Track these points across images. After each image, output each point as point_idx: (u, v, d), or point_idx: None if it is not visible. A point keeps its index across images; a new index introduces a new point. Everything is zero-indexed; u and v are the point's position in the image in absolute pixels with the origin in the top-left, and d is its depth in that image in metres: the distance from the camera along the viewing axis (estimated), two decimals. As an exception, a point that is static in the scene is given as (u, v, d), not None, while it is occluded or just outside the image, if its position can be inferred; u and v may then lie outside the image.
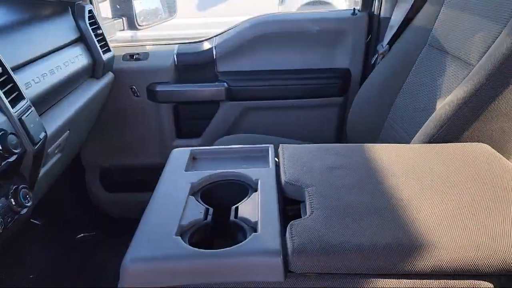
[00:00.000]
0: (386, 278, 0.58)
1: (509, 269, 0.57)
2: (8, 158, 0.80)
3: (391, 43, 1.48)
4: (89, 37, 1.39)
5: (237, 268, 0.59)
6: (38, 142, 0.90)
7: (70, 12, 1.38)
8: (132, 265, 0.59)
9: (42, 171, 1.07)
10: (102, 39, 1.47)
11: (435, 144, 0.92)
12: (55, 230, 1.71)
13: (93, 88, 1.39)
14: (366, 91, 1.47)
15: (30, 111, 0.90)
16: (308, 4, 6.46)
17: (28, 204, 0.85)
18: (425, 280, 0.58)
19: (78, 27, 1.38)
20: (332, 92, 1.67)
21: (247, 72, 1.67)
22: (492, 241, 0.59)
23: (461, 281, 0.58)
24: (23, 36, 1.09)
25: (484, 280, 0.58)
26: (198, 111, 1.71)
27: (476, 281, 0.58)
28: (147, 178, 1.78)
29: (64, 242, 1.73)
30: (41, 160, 0.98)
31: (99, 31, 1.45)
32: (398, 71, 1.34)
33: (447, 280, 0.58)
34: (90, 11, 1.42)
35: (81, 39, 1.39)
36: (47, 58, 1.15)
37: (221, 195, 0.79)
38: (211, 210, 0.72)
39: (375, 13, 1.62)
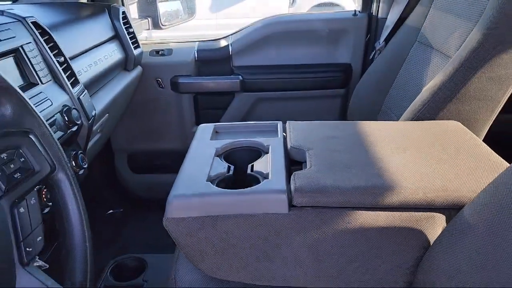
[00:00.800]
0: (364, 210, 0.77)
1: (457, 204, 0.76)
2: (72, 128, 1.01)
3: (387, 40, 1.64)
4: (122, 35, 1.60)
5: (253, 203, 0.79)
6: (91, 118, 1.11)
7: (107, 13, 1.59)
8: (175, 200, 0.79)
9: (88, 146, 1.28)
10: (133, 36, 1.67)
11: (415, 121, 1.11)
12: (88, 207, 1.91)
13: (126, 79, 1.59)
14: (365, 83, 1.64)
15: (84, 92, 1.11)
16: (318, 5, 6.64)
17: (85, 166, 1.05)
18: (394, 212, 0.77)
19: (113, 26, 1.59)
20: (335, 84, 1.84)
21: (259, 67, 1.85)
22: (445, 184, 0.77)
23: (421, 213, 0.77)
24: (73, 33, 1.30)
25: (438, 213, 0.77)
26: (215, 101, 1.89)
27: (432, 213, 0.77)
28: (169, 161, 1.98)
29: (96, 217, 1.95)
30: (90, 134, 1.19)
31: (130, 30, 1.66)
32: (393, 65, 1.51)
33: (410, 212, 0.77)
34: (123, 12, 1.63)
35: (116, 37, 1.59)
36: (91, 51, 1.36)
37: (239, 158, 0.98)
38: (232, 167, 0.92)
39: (373, 14, 1.79)
